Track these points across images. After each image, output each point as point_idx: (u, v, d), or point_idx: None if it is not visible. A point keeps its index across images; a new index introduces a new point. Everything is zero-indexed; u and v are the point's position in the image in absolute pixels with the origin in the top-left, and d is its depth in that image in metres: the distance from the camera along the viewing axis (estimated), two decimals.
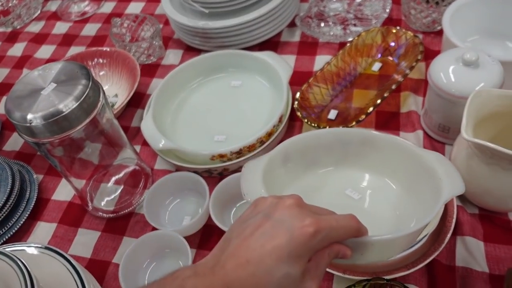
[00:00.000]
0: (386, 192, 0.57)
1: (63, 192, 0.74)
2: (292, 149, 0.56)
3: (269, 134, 0.69)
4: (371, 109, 0.68)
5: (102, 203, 0.71)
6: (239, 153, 0.68)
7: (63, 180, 0.76)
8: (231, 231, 0.39)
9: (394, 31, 0.78)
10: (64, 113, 0.54)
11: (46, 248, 0.62)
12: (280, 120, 0.70)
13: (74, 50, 1.00)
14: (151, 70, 0.90)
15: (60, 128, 0.55)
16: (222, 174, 0.71)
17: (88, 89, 0.56)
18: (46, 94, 0.55)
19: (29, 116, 0.54)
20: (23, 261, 0.54)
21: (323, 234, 0.36)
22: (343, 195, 0.57)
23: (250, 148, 0.68)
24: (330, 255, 0.39)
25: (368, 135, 0.56)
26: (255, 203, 0.41)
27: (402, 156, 0.54)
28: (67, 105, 0.54)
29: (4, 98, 0.93)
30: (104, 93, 0.60)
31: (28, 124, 0.54)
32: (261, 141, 0.68)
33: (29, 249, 0.62)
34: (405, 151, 0.54)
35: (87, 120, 0.57)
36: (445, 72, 0.62)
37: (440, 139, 0.68)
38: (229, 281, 0.35)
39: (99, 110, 0.58)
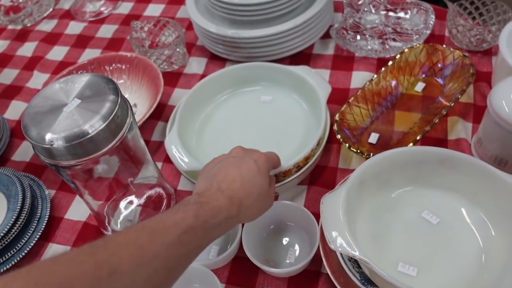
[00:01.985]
0: (468, 216, 0.54)
1: (78, 210, 0.68)
2: (367, 173, 0.54)
3: (306, 158, 0.63)
4: (419, 136, 0.62)
5: (122, 227, 0.65)
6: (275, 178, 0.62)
7: (78, 198, 0.70)
8: (204, 176, 0.50)
9: (440, 49, 0.72)
10: (89, 135, 0.48)
11: None
12: (318, 143, 0.64)
13: (88, 53, 0.94)
14: (172, 78, 0.84)
15: (84, 151, 0.49)
16: None
17: (116, 107, 0.50)
18: (69, 111, 0.49)
19: (49, 137, 0.48)
20: None
21: (269, 158, 0.53)
22: (419, 219, 0.55)
23: (286, 173, 0.62)
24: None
25: (447, 155, 0.53)
26: (209, 163, 0.53)
27: (485, 180, 0.51)
28: (93, 125, 0.48)
29: (13, 102, 0.87)
30: (132, 110, 0.54)
31: (47, 146, 0.48)
32: (298, 166, 0.63)
33: None
34: (489, 175, 0.51)
35: (114, 142, 0.51)
36: (508, 100, 0.56)
37: None
38: (229, 195, 0.47)
39: (127, 129, 0.52)
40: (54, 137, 0.47)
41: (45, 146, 0.48)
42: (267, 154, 0.54)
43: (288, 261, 0.58)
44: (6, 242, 0.63)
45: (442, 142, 0.67)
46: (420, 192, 0.56)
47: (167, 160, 0.72)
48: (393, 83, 0.73)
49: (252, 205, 0.48)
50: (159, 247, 0.39)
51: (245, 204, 0.47)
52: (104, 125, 0.48)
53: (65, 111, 0.49)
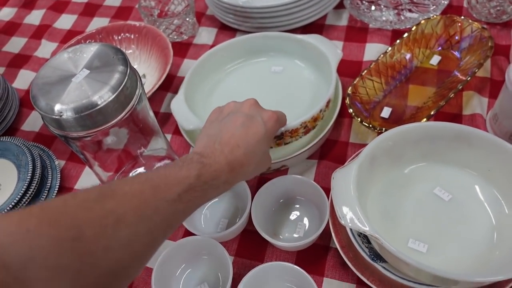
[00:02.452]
0: (481, 193, 0.53)
1: (87, 181, 0.69)
2: (379, 149, 0.52)
3: (315, 119, 0.60)
4: (433, 111, 0.61)
5: None
6: (280, 138, 0.58)
7: (87, 168, 0.70)
8: (210, 128, 0.50)
9: (458, 21, 0.70)
10: (99, 106, 0.47)
11: None
12: (327, 105, 0.61)
13: (96, 21, 0.92)
14: (182, 49, 0.83)
15: (93, 122, 0.48)
16: (264, 173, 0.64)
17: (126, 78, 0.49)
18: (78, 82, 0.49)
19: (58, 107, 0.47)
20: None
21: (279, 119, 0.52)
22: (431, 195, 0.54)
23: (293, 133, 0.59)
24: None
25: (462, 131, 0.52)
26: (220, 109, 0.53)
27: (500, 157, 0.50)
28: (103, 96, 0.47)
29: (22, 71, 0.86)
30: (141, 81, 0.53)
31: (57, 117, 0.47)
32: (306, 127, 0.59)
33: None
34: (504, 152, 0.50)
35: (123, 114, 0.50)
36: None
37: None
38: (231, 161, 0.46)
39: (136, 101, 0.51)
40: (63, 108, 0.47)
41: (54, 117, 0.47)
42: (279, 114, 0.53)
43: (297, 235, 0.58)
44: None
45: (456, 117, 0.66)
46: (433, 168, 0.55)
47: (176, 132, 0.71)
48: (408, 56, 0.71)
49: (250, 171, 0.49)
50: (161, 202, 0.40)
51: (243, 171, 0.47)
52: (114, 96, 0.48)
53: (74, 82, 0.48)
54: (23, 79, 0.84)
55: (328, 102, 0.62)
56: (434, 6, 0.77)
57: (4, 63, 0.88)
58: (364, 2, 0.80)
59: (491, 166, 0.52)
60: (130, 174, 0.67)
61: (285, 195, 0.61)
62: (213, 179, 0.45)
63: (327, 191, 0.56)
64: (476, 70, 0.63)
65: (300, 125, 0.58)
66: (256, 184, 0.63)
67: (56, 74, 0.49)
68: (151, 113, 0.58)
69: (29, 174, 0.65)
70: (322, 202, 0.57)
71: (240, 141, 0.47)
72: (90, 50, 0.51)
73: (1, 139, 0.69)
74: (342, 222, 0.45)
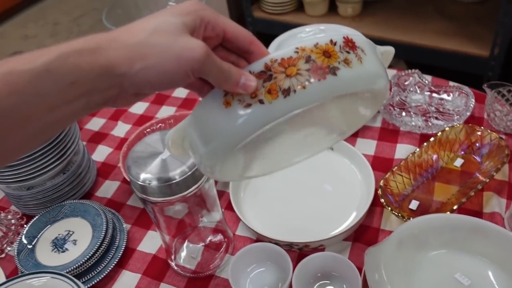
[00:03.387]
0: (496, 280, 0.60)
1: (149, 244, 0.79)
2: (406, 233, 0.61)
3: (326, 54, 0.38)
4: (455, 206, 0.69)
5: (185, 261, 0.75)
6: (269, 77, 0.38)
7: (149, 233, 0.81)
8: None
9: (478, 130, 0.81)
10: (177, 180, 0.59)
11: None
12: (351, 47, 0.40)
13: (165, 109, 1.09)
14: None
15: (171, 192, 0.60)
16: (302, 249, 0.73)
17: None
18: (163, 158, 0.61)
19: (147, 176, 0.59)
20: None
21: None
22: (452, 279, 0.60)
23: (285, 64, 0.38)
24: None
25: (479, 224, 0.60)
26: None
27: None
28: (182, 172, 0.59)
29: (100, 146, 1.01)
30: None
31: (144, 183, 0.59)
32: (309, 60, 0.38)
33: None
34: None
35: (195, 187, 0.62)
36: None
37: None
38: (97, 34, 0.37)
39: (205, 179, 0.63)
40: (150, 177, 0.59)
41: (141, 183, 0.60)
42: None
43: None
44: (88, 265, 0.74)
45: (477, 214, 0.74)
46: (454, 255, 0.63)
47: (228, 207, 0.82)
48: (434, 157, 0.82)
49: (143, 39, 0.36)
50: None
51: (123, 39, 0.37)
52: (190, 173, 0.60)
53: (160, 158, 0.61)
54: (101, 153, 0.99)
55: (351, 43, 0.40)
56: (458, 116, 0.89)
57: (85, 138, 1.04)
58: (396, 108, 0.93)
59: (505, 257, 0.59)
60: (187, 240, 0.77)
61: (322, 270, 0.69)
62: (31, 60, 0.34)
63: (360, 269, 0.64)
64: (494, 174, 0.73)
65: (295, 53, 0.38)
66: (297, 259, 0.72)
67: (148, 150, 0.63)
68: (214, 190, 0.70)
69: (103, 233, 0.76)
70: (355, 279, 0.65)
71: (133, 24, 0.39)
72: None
73: (83, 202, 0.82)
74: None
